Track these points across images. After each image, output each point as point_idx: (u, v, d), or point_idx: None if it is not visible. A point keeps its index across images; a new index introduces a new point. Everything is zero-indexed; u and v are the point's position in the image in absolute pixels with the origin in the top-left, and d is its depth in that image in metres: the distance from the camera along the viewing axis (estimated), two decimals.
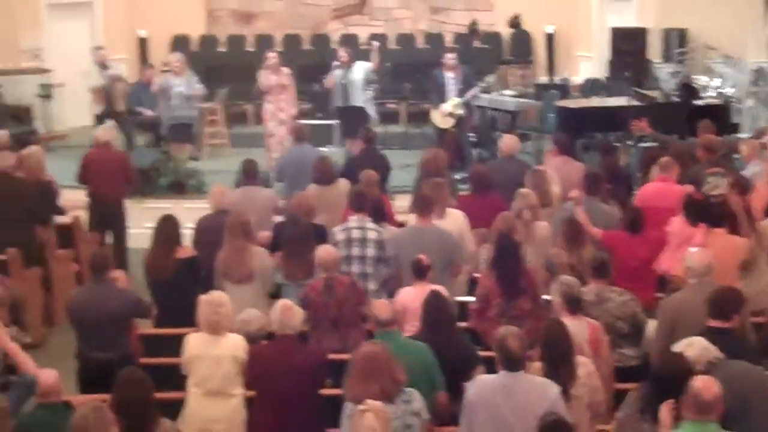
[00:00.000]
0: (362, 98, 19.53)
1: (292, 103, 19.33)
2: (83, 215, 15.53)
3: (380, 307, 9.27)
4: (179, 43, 24.65)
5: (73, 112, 23.19)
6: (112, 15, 24.36)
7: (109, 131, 16.47)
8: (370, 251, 11.67)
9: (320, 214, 12.62)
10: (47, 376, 8.69)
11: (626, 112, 17.44)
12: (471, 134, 19.19)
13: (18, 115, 22.09)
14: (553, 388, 7.91)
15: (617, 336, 9.88)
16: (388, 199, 14.13)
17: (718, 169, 12.91)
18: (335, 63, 20.07)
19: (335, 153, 17.37)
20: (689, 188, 12.47)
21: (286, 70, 19.29)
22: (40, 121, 22.43)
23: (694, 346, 7.85)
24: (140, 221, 16.22)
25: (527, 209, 11.93)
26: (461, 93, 19.12)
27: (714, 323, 8.63)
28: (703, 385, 6.93)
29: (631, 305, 10.04)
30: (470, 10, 25.40)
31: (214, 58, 24.33)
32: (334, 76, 19.61)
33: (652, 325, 10.04)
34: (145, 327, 11.25)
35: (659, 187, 13.12)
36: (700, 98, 18.12)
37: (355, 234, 11.74)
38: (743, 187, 12.13)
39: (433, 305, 9.52)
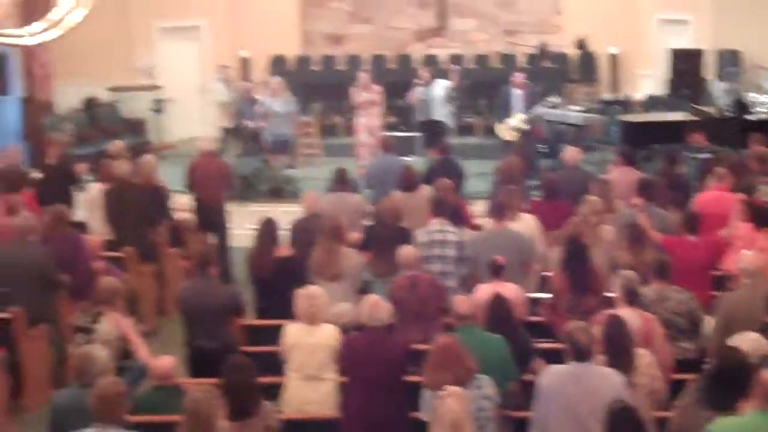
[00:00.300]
0: (442, 113, 19.61)
1: (380, 116, 19.50)
2: (191, 217, 15.67)
3: (459, 302, 9.31)
4: (277, 62, 24.81)
5: (182, 124, 23.50)
6: (217, 37, 24.53)
7: (211, 142, 16.65)
8: (450, 252, 11.69)
9: (404, 218, 12.64)
10: (164, 361, 8.81)
11: (684, 126, 17.40)
12: (541, 146, 19.13)
13: (133, 127, 22.43)
14: (618, 377, 7.89)
15: (676, 331, 9.82)
16: (466, 204, 14.14)
17: None
18: (416, 81, 20.20)
19: (417, 162, 17.35)
20: (742, 196, 12.40)
21: (376, 87, 19.55)
22: (153, 132, 22.69)
23: (747, 341, 7.77)
24: (242, 223, 16.34)
25: (593, 214, 11.91)
26: (527, 109, 19.13)
27: None
28: None
29: (689, 303, 9.98)
30: (540, 33, 25.32)
31: (308, 77, 24.44)
32: (416, 92, 19.74)
33: (708, 322, 10.01)
34: (248, 319, 11.30)
35: (715, 195, 13.08)
36: (752, 113, 17.90)
37: (436, 236, 11.77)
38: None
39: (496, 306, 9.57)
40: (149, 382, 9.06)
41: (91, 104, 22.84)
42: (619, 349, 8.33)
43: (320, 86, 23.79)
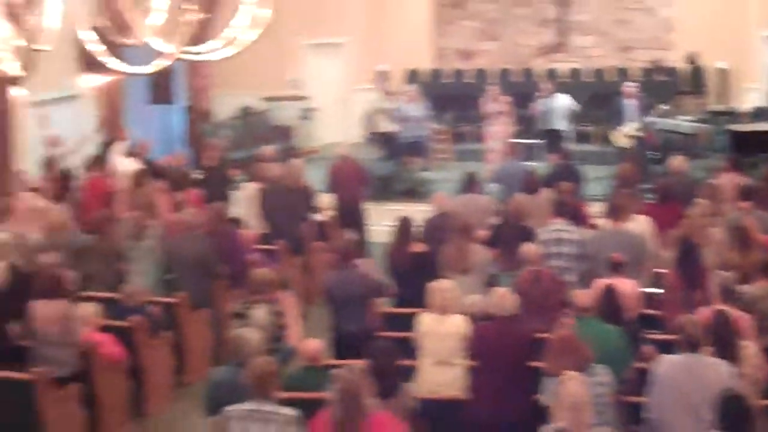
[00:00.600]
0: (563, 122, 19.54)
1: (508, 125, 19.49)
2: (333, 215, 15.81)
3: (580, 296, 9.27)
4: (412, 75, 24.84)
5: (325, 131, 23.73)
6: (358, 52, 24.69)
7: (349, 147, 16.84)
8: (570, 249, 11.62)
9: (527, 217, 12.60)
10: (311, 344, 8.90)
11: None
12: (652, 152, 18.85)
13: (282, 134, 22.65)
14: (728, 367, 7.78)
15: None
16: (585, 205, 14.03)
17: None
18: (539, 93, 20.09)
19: (538, 167, 17.23)
20: None
21: (504, 98, 19.60)
22: (300, 138, 22.92)
23: None
24: (380, 220, 16.41)
25: (703, 217, 11.76)
26: (639, 117, 18.96)
27: None
28: None
29: None
30: (653, 49, 24.96)
31: (441, 88, 24.40)
32: (539, 104, 19.69)
33: None
34: (386, 306, 11.34)
35: None
36: None
37: (557, 235, 11.72)
38: None
39: (606, 299, 9.52)
40: (298, 362, 9.14)
41: (245, 113, 23.17)
42: (725, 341, 8.22)
43: (451, 97, 23.75)
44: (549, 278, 10.64)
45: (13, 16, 3.53)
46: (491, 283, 10.78)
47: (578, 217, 12.71)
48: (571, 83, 22.98)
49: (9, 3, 3.56)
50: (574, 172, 15.28)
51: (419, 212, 13.64)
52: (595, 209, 14.13)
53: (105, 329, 10.62)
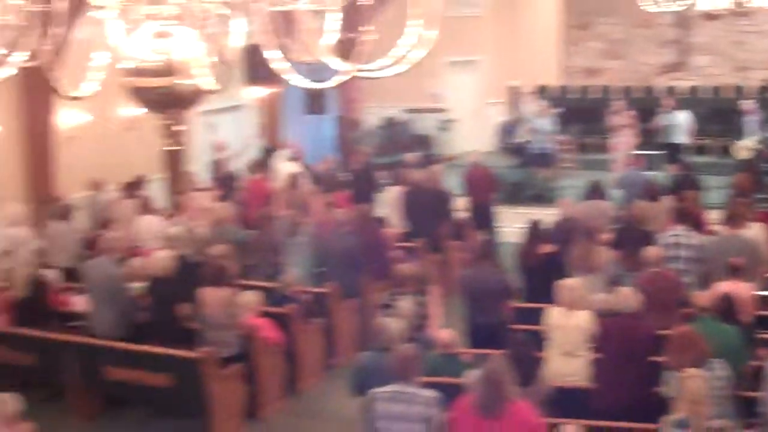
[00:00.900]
0: (683, 136, 19.20)
1: (633, 137, 19.22)
2: (468, 216, 15.77)
3: (700, 297, 9.07)
4: (541, 91, 24.62)
5: (462, 140, 23.65)
6: (492, 69, 24.62)
7: (482, 155, 16.83)
8: (688, 253, 11.34)
9: (648, 223, 12.38)
10: (446, 334, 8.88)
11: None
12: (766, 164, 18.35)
13: (423, 142, 22.69)
14: None
15: None
16: (703, 212, 13.70)
17: None
18: (660, 109, 19.74)
19: (659, 176, 16.89)
20: None
21: (629, 113, 19.40)
22: (438, 146, 22.94)
23: None
24: (511, 222, 16.33)
25: None
26: (758, 132, 18.47)
27: None
28: None
29: None
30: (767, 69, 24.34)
31: (567, 103, 24.09)
32: (661, 119, 19.36)
33: None
34: (516, 301, 11.25)
35: None
36: None
37: (676, 240, 11.44)
38: None
39: (722, 301, 9.21)
40: (435, 350, 9.13)
41: (390, 123, 23.28)
42: None
43: (577, 111, 23.45)
44: (669, 279, 10.41)
45: (206, 36, 3.60)
46: (615, 282, 10.60)
47: (698, 224, 12.42)
48: (690, 100, 22.41)
49: (202, 24, 3.64)
50: (693, 182, 14.97)
51: (547, 216, 13.50)
52: (713, 216, 13.78)
53: (264, 315, 10.79)
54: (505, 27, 24.65)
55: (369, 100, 23.04)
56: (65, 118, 16.49)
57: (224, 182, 16.03)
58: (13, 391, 8.00)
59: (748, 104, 19.47)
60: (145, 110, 3.99)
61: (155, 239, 13.14)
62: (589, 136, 22.91)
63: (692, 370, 7.21)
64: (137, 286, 10.95)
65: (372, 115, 23.41)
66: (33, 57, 3.65)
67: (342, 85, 21.36)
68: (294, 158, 16.93)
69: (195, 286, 10.50)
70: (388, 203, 15.18)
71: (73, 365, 10.49)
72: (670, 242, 11.42)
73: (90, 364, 10.48)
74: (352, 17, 4.58)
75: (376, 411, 7.10)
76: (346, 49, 3.64)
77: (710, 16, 24.53)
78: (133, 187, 15.04)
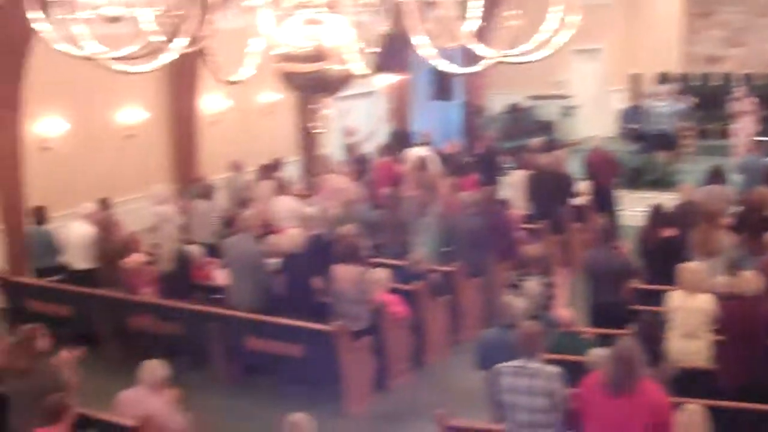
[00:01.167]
0: None
1: (754, 123, 18.62)
2: (589, 199, 15.50)
3: None
4: (662, 78, 24.02)
5: (584, 125, 23.31)
6: (614, 57, 24.15)
7: (602, 140, 16.54)
8: None
9: None
10: (566, 313, 8.78)
11: None
12: None
13: (545, 128, 22.44)
14: None
15: None
16: None
17: None
18: None
19: None
20: None
21: (750, 99, 18.75)
22: (561, 132, 22.64)
23: None
24: (632, 206, 16.04)
25: None
26: None
27: None
28: None
29: None
30: None
31: (688, 90, 23.41)
32: None
33: None
34: (637, 283, 10.99)
35: None
36: None
37: None
38: None
39: None
40: (558, 329, 8.99)
41: (514, 109, 23.05)
42: None
43: (698, 98, 22.78)
44: None
45: (355, 23, 3.61)
46: (736, 265, 10.27)
47: None
48: None
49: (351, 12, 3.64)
50: None
51: (667, 200, 13.16)
52: None
53: (393, 291, 10.79)
54: (628, 16, 24.13)
55: (494, 87, 22.88)
56: (208, 103, 16.82)
57: (356, 164, 16.10)
58: (160, 359, 8.19)
59: None
60: (297, 94, 4.02)
61: (290, 218, 13.28)
62: (710, 122, 22.25)
63: None
64: (273, 261, 11.07)
65: (497, 101, 23.23)
66: (192, 43, 3.68)
67: (468, 73, 21.43)
68: (423, 142, 16.90)
69: (327, 262, 10.58)
70: (512, 186, 15.02)
71: (214, 335, 10.68)
72: None
73: (230, 335, 10.65)
74: (493, 2, 4.51)
75: (501, 384, 7.05)
76: (484, 35, 3.56)
77: None
78: (270, 168, 15.24)
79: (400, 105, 21.54)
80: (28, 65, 13.03)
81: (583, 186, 15.67)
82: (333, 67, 3.74)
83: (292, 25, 3.78)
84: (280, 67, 3.78)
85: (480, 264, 12.11)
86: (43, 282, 12.26)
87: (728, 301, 8.86)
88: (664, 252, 11.00)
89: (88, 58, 3.38)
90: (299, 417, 6.71)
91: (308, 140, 19.03)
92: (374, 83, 19.40)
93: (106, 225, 11.89)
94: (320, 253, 11.01)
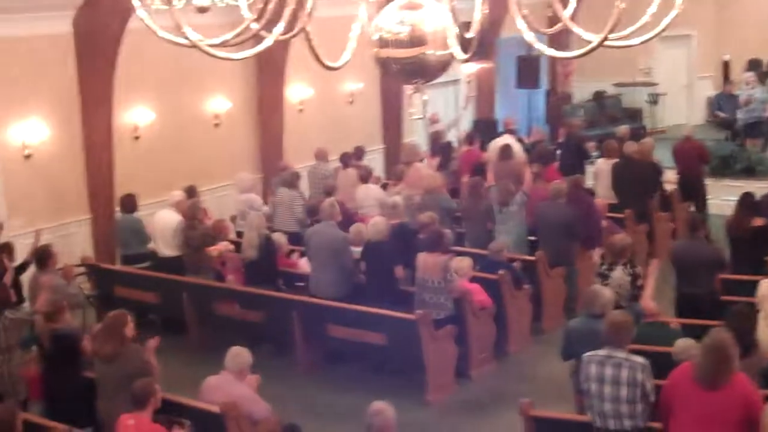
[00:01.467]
0: None
1: None
2: (676, 188, 15.23)
3: None
4: (753, 64, 23.38)
5: (672, 113, 22.96)
6: (704, 44, 23.62)
7: (691, 128, 16.21)
8: None
9: None
10: (651, 304, 8.62)
11: None
12: None
13: (632, 115, 22.12)
14: None
15: None
16: None
17: None
18: None
19: None
20: None
21: None
22: (648, 119, 22.27)
23: None
24: (720, 195, 15.70)
25: None
26: None
27: None
28: None
29: None
30: None
31: None
32: None
33: None
34: (726, 273, 10.73)
35: None
36: None
37: None
38: None
39: None
40: (643, 319, 8.83)
41: (599, 96, 22.74)
42: None
43: None
44: None
45: (453, 8, 3.59)
46: None
47: None
48: None
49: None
50: None
51: (757, 189, 12.82)
52: None
53: (476, 280, 10.71)
54: (719, 2, 23.55)
55: (579, 75, 22.60)
56: (293, 92, 16.90)
57: (441, 153, 16.03)
58: (243, 345, 8.24)
59: None
60: (394, 80, 4.03)
61: (374, 206, 13.28)
62: None
63: None
64: (356, 250, 11.07)
65: (582, 90, 22.94)
66: (289, 29, 3.68)
67: (553, 60, 21.19)
68: (507, 130, 16.75)
69: (411, 251, 10.53)
70: (598, 174, 14.80)
71: (297, 323, 10.71)
72: None
73: (313, 323, 10.68)
74: None
75: (588, 373, 6.96)
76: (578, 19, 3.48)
77: None
78: (352, 156, 15.24)
79: (484, 93, 21.40)
80: (120, 58, 13.24)
81: (670, 175, 15.39)
82: (432, 53, 3.73)
83: (390, 9, 3.79)
84: (377, 52, 3.79)
85: (566, 253, 11.95)
86: (131, 269, 12.45)
87: None
88: (754, 242, 10.74)
89: (192, 46, 3.38)
90: (381, 405, 6.68)
91: (392, 128, 19.04)
92: (459, 71, 19.32)
93: (192, 213, 12.00)
94: (403, 241, 10.98)
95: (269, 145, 16.48)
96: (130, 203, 12.63)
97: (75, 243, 13.24)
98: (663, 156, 15.88)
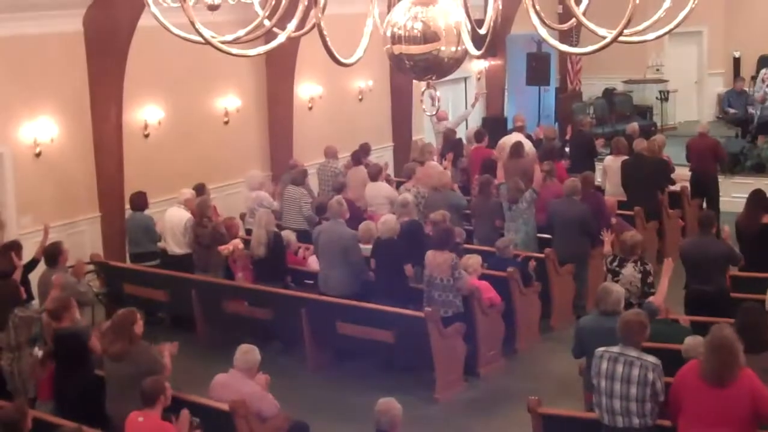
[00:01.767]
0: None
1: None
2: (688, 185, 15.16)
3: None
4: (764, 60, 23.29)
5: (682, 110, 22.90)
6: (714, 40, 23.52)
7: (705, 125, 16.11)
8: None
9: None
10: (662, 301, 8.58)
11: None
12: None
13: (642, 113, 22.05)
14: None
15: None
16: None
17: None
18: None
19: None
20: None
21: None
22: (658, 116, 22.20)
23: None
24: (730, 192, 15.65)
25: None
26: None
27: None
28: None
29: None
30: None
31: None
32: None
33: None
34: (736, 270, 10.68)
35: None
36: None
37: None
38: None
39: None
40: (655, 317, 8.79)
41: (609, 93, 22.67)
42: None
43: None
44: None
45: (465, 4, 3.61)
46: None
47: None
48: None
49: None
50: None
51: (766, 186, 12.77)
52: None
53: (484, 277, 10.69)
54: None
55: (589, 72, 22.54)
56: (303, 90, 16.90)
57: (450, 150, 16.00)
58: (252, 343, 8.25)
59: None
60: (407, 76, 4.02)
61: (384, 204, 13.27)
62: None
63: None
64: (366, 247, 11.06)
65: (591, 87, 22.89)
66: (301, 25, 3.68)
67: (563, 57, 21.14)
68: (517, 128, 16.72)
69: (420, 248, 10.52)
70: (607, 171, 14.76)
71: (305, 320, 10.71)
72: None
73: (321, 320, 10.67)
74: None
75: (599, 369, 6.95)
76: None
77: None
78: (363, 154, 15.21)
79: (494, 90, 21.37)
80: (129, 56, 13.26)
81: (682, 171, 15.34)
82: (445, 49, 3.73)
83: (402, 5, 3.79)
84: (390, 48, 3.79)
85: (579, 250, 11.91)
86: (140, 267, 12.46)
87: None
88: (764, 239, 10.69)
89: (206, 43, 3.37)
90: (389, 402, 6.67)
91: (402, 126, 19.02)
92: (469, 68, 19.30)
93: (202, 210, 12.01)
94: (413, 238, 10.97)
95: (279, 143, 16.48)
96: (140, 201, 12.65)
97: (85, 241, 13.26)
98: (673, 153, 15.83)
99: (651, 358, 6.82)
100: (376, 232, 11.08)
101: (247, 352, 8.04)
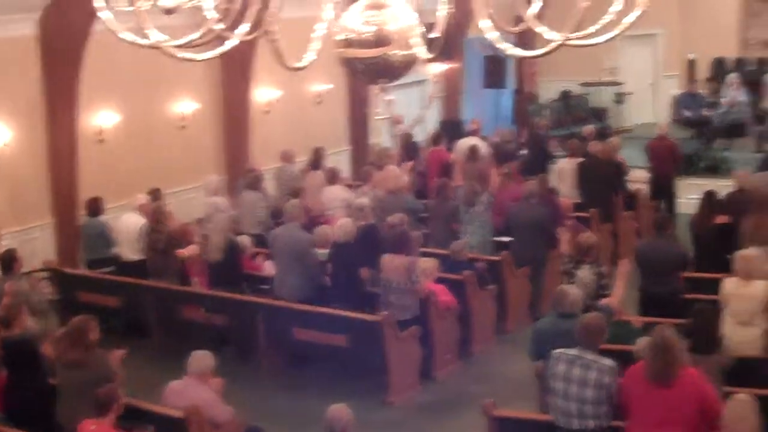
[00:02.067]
0: None
1: None
2: (643, 188, 15.27)
3: None
4: (717, 64, 23.54)
5: (638, 112, 23.05)
6: (669, 43, 23.72)
7: (665, 127, 16.21)
8: None
9: None
10: (616, 302, 8.63)
11: None
12: None
13: (598, 115, 22.19)
14: None
15: None
16: None
17: None
18: None
19: None
20: None
21: None
22: (613, 119, 22.35)
23: None
24: (685, 193, 15.78)
25: None
26: None
27: None
28: None
29: None
30: None
31: (744, 76, 22.90)
32: None
33: None
34: (690, 271, 10.76)
35: None
36: None
37: None
38: None
39: None
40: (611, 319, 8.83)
41: (565, 96, 22.79)
42: None
43: (753, 84, 22.22)
44: None
45: (417, 7, 3.63)
46: None
47: None
48: None
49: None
50: None
51: (721, 187, 12.89)
52: None
53: (440, 281, 10.69)
54: (684, 0, 23.63)
55: (545, 75, 22.65)
56: (259, 94, 16.82)
57: (407, 154, 16.01)
58: (207, 349, 8.18)
59: None
60: (358, 80, 4.04)
61: (340, 208, 13.23)
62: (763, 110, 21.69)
63: None
64: (322, 252, 11.02)
65: (548, 89, 22.99)
66: (253, 29, 3.65)
67: (519, 60, 21.23)
68: (473, 131, 16.76)
69: (376, 252, 10.50)
70: (562, 174, 14.83)
71: (261, 326, 10.65)
72: None
73: (277, 325, 10.62)
74: None
75: (555, 371, 6.97)
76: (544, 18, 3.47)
77: None
78: (319, 158, 15.17)
79: (451, 93, 21.40)
80: (84, 60, 13.13)
81: (637, 173, 15.46)
82: (397, 52, 3.73)
83: (354, 9, 3.78)
84: (342, 52, 3.78)
85: (535, 253, 11.95)
86: (94, 273, 12.33)
87: None
88: (717, 239, 10.80)
89: (153, 47, 3.34)
90: (340, 408, 6.65)
91: (358, 130, 18.99)
92: (424, 71, 19.29)
93: (157, 216, 11.91)
94: (369, 242, 10.94)
95: (235, 147, 16.38)
96: (95, 206, 12.52)
97: (38, 247, 13.09)
98: (629, 155, 15.94)
99: (607, 362, 6.85)
100: (333, 236, 11.04)
101: (200, 358, 7.98)
